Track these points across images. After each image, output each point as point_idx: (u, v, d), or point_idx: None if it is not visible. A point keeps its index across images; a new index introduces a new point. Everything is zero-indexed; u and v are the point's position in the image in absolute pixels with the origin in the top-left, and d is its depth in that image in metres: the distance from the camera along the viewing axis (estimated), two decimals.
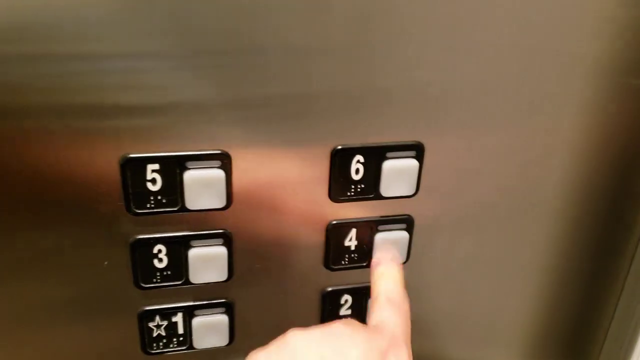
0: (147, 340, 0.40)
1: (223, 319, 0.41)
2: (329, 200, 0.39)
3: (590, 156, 0.42)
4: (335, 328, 0.32)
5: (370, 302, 0.38)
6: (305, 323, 0.44)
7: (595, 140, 0.42)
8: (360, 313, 0.44)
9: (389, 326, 0.34)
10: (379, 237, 0.41)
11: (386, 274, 0.38)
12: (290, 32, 0.33)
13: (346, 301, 0.43)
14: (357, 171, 0.38)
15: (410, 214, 0.41)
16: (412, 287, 0.44)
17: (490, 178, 0.41)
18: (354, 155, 0.37)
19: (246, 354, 0.44)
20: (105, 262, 0.37)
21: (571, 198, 0.43)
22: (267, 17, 0.33)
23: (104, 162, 0.34)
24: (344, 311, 0.44)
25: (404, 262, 0.42)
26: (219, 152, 0.35)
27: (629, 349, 0.49)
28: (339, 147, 0.37)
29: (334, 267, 0.42)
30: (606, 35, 0.38)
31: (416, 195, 0.40)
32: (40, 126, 0.33)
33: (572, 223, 0.45)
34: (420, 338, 0.47)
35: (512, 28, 0.36)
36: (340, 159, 0.38)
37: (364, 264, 0.42)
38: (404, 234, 0.41)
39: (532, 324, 0.50)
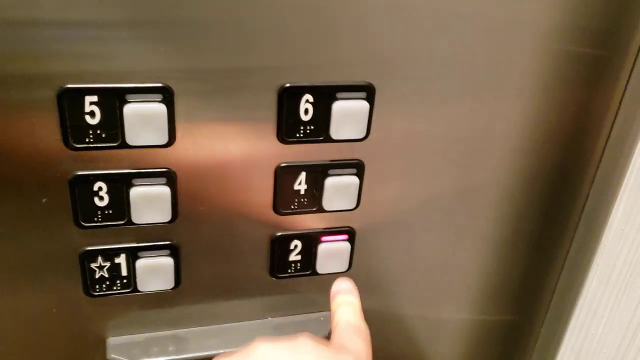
0: (89, 281, 0.39)
1: (168, 261, 0.40)
2: (277, 142, 0.38)
3: (543, 108, 0.42)
4: (302, 343, 0.33)
5: (331, 328, 0.39)
6: (254, 268, 0.44)
7: (546, 89, 0.42)
8: (309, 259, 0.44)
9: (354, 347, 0.35)
10: (329, 182, 0.41)
11: (345, 302, 0.39)
12: None
13: (296, 246, 0.43)
14: (306, 111, 0.37)
15: (360, 158, 0.41)
16: (362, 233, 0.44)
17: (441, 124, 0.41)
18: (302, 95, 0.37)
19: (193, 298, 0.44)
20: (44, 200, 0.36)
21: (524, 148, 0.43)
22: None
23: (40, 94, 0.33)
24: (293, 257, 0.43)
25: (354, 209, 0.42)
26: (160, 85, 0.34)
27: (573, 306, 0.50)
28: (287, 85, 0.36)
29: (283, 211, 0.41)
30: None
31: (367, 139, 0.40)
32: None
33: (524, 175, 0.45)
34: (369, 290, 0.47)
35: None
36: (288, 98, 0.37)
37: (314, 209, 0.42)
38: (354, 179, 0.41)
39: (481, 278, 0.50)
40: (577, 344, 0.50)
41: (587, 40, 0.40)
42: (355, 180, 0.41)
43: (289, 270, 0.44)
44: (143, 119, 0.34)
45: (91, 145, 0.34)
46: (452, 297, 0.51)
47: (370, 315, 0.49)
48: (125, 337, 0.43)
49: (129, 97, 0.33)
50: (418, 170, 0.43)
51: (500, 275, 0.50)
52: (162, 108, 0.34)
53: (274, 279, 0.44)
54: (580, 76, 0.41)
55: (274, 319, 0.46)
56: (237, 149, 0.38)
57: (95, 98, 0.33)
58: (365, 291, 0.47)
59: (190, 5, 0.32)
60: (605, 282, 0.46)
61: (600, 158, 0.45)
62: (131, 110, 0.34)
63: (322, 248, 0.43)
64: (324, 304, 0.47)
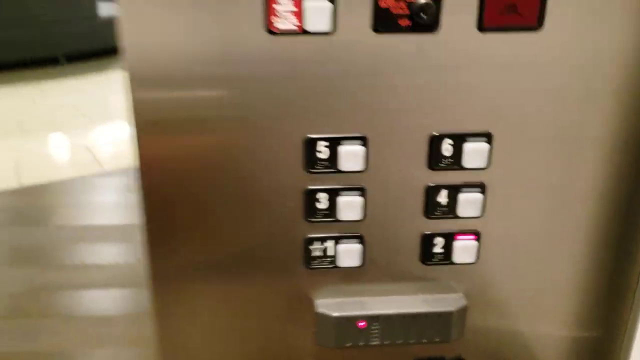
0: (308, 258, 0.63)
1: (358, 247, 0.63)
2: (427, 169, 0.60)
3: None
4: None
5: None
6: (409, 257, 0.65)
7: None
8: (447, 251, 0.64)
9: None
10: (462, 197, 0.62)
11: None
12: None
13: (438, 242, 0.64)
14: (447, 150, 0.59)
15: (483, 182, 0.61)
16: (485, 235, 0.64)
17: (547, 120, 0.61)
18: (445, 139, 0.59)
19: (371, 276, 0.66)
20: (290, 204, 0.61)
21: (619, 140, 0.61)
22: None
23: (290, 139, 0.58)
24: (436, 249, 0.64)
25: (479, 217, 0.62)
26: (360, 135, 0.58)
27: None
28: (435, 133, 0.59)
29: (431, 216, 0.63)
30: None
31: (488, 169, 0.60)
32: (241, 117, 0.57)
33: (615, 172, 0.63)
34: (489, 283, 0.67)
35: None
36: (436, 142, 0.59)
37: (451, 216, 0.62)
38: (479, 195, 0.62)
39: (573, 295, 0.67)
40: None
41: None
42: (479, 196, 0.62)
43: (433, 259, 0.65)
44: (349, 155, 0.58)
45: (319, 170, 0.59)
46: (549, 314, 0.68)
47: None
48: (327, 299, 0.66)
49: (342, 142, 0.58)
50: (531, 186, 0.62)
51: (589, 289, 0.67)
52: (362, 149, 0.58)
53: (423, 265, 0.65)
54: None
55: (423, 295, 0.67)
56: (397, 179, 0.61)
57: (325, 143, 0.58)
58: (489, 283, 0.67)
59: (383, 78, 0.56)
60: None
61: None
62: (344, 150, 0.58)
63: (457, 244, 0.64)
64: (457, 287, 0.67)
